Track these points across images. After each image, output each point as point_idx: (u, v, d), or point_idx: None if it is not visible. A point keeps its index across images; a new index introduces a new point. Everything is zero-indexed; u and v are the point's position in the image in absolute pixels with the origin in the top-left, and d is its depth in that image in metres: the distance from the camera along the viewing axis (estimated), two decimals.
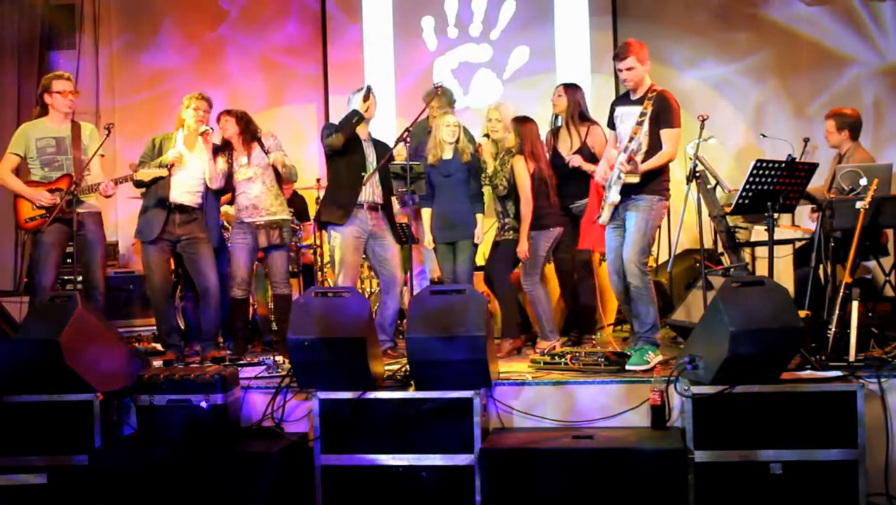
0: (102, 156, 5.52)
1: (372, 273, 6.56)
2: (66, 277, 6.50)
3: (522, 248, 5.43)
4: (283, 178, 5.66)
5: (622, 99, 4.97)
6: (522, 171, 5.42)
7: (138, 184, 5.46)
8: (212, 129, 5.52)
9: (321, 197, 5.62)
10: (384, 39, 8.13)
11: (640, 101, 4.75)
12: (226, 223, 6.21)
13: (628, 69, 4.72)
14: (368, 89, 5.42)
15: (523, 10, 7.98)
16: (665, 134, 4.69)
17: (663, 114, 4.67)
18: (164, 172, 5.35)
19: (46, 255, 5.35)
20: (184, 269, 5.71)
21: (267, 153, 5.58)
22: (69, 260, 5.63)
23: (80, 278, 5.46)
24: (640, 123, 4.70)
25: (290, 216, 5.76)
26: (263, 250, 5.63)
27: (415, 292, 5.63)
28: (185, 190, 5.45)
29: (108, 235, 7.74)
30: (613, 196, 4.74)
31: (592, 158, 5.52)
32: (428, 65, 8.05)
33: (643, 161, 4.67)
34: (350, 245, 5.39)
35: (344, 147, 5.36)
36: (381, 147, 5.58)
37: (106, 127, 5.43)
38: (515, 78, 7.98)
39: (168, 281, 5.60)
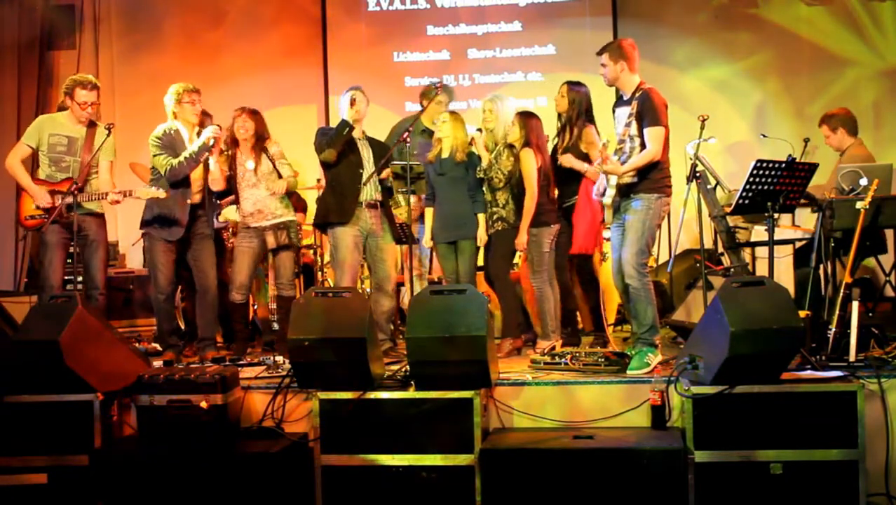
0: (111, 161, 5.50)
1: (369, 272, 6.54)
2: (67, 277, 6.50)
3: (522, 241, 5.39)
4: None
5: (618, 101, 4.99)
6: (531, 163, 5.39)
7: (172, 182, 5.35)
8: (218, 128, 5.42)
9: (319, 197, 5.62)
10: (385, 38, 8.15)
11: (629, 102, 4.77)
12: (230, 228, 6.23)
13: (602, 65, 4.83)
14: (352, 97, 5.41)
15: (524, 11, 7.99)
16: (648, 132, 4.67)
17: (646, 112, 4.67)
18: (162, 194, 5.26)
19: (53, 254, 5.34)
20: (185, 268, 5.71)
21: (271, 159, 5.56)
22: (69, 260, 5.62)
23: (79, 278, 5.44)
24: (627, 125, 4.72)
25: (296, 217, 5.73)
26: (272, 252, 5.61)
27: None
28: (195, 190, 5.45)
29: (108, 236, 7.81)
30: (606, 198, 4.79)
31: (582, 158, 5.54)
32: (428, 64, 8.06)
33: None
34: (350, 245, 5.41)
35: (339, 151, 5.38)
36: (375, 145, 5.59)
37: (106, 127, 5.42)
38: (515, 78, 7.99)
39: (173, 282, 5.59)
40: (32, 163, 5.48)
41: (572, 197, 5.58)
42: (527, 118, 5.52)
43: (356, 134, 5.48)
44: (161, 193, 5.24)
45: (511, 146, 5.48)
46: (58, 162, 5.39)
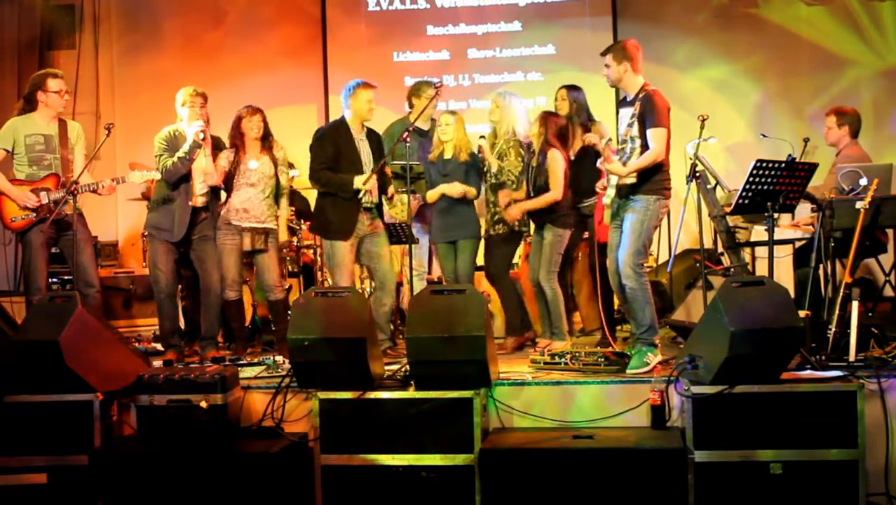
0: (98, 158, 5.49)
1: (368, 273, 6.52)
2: (66, 277, 6.50)
3: (513, 214, 5.39)
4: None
5: (622, 101, 5.00)
6: (560, 163, 5.37)
7: (168, 183, 5.38)
8: (203, 122, 5.39)
9: (318, 204, 5.59)
10: (385, 38, 8.15)
11: (633, 103, 4.78)
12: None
13: (605, 66, 4.84)
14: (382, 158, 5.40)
15: (524, 11, 8.00)
16: (650, 133, 4.67)
17: (648, 113, 4.67)
18: (156, 176, 5.29)
19: (38, 256, 5.34)
20: (185, 267, 5.71)
21: (274, 163, 5.55)
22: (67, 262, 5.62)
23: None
24: (629, 125, 4.73)
25: (277, 227, 5.67)
26: (248, 254, 5.60)
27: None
28: (199, 193, 5.45)
29: (108, 235, 7.83)
30: (605, 198, 4.80)
31: (597, 156, 5.55)
32: (428, 64, 8.07)
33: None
34: (345, 249, 5.37)
35: (338, 156, 5.36)
36: (374, 138, 5.57)
37: (106, 127, 5.41)
38: (515, 78, 7.99)
39: (174, 281, 5.58)
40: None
41: (586, 198, 5.58)
42: (550, 116, 5.51)
43: (357, 134, 5.45)
44: (155, 175, 5.28)
45: (528, 145, 5.49)
46: (39, 161, 5.37)
